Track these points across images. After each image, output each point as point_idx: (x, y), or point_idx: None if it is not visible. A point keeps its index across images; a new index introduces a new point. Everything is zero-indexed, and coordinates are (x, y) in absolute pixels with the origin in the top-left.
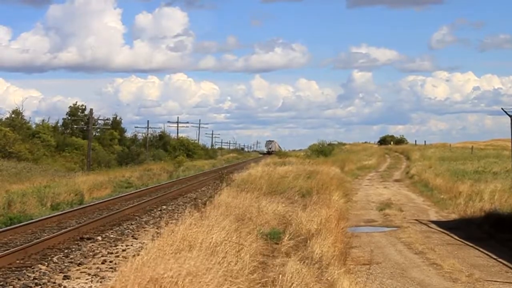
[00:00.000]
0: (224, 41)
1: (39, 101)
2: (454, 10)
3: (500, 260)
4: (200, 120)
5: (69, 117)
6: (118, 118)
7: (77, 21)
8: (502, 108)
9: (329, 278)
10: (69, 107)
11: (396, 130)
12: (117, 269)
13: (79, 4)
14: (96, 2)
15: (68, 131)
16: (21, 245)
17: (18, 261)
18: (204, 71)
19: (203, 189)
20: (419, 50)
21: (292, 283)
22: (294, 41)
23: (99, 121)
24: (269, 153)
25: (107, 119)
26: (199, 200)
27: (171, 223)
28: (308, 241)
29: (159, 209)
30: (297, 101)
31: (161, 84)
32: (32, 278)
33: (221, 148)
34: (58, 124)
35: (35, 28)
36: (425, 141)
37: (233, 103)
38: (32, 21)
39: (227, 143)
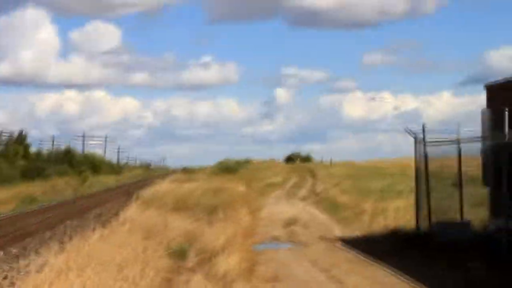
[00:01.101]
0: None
1: None
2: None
3: (403, 277)
4: (117, 137)
5: None
6: (23, 133)
7: None
8: (405, 129)
9: None
10: None
11: (311, 148)
12: (18, 285)
13: None
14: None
15: None
16: None
17: None
18: (124, 87)
19: (107, 205)
20: (338, 70)
21: None
22: (216, 59)
23: (2, 134)
24: (185, 169)
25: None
26: (104, 217)
27: (76, 239)
28: (214, 258)
29: (63, 224)
30: (216, 118)
31: (80, 99)
32: None
33: (127, 164)
34: None
35: None
36: (331, 159)
37: (151, 119)
38: None
39: (133, 158)
